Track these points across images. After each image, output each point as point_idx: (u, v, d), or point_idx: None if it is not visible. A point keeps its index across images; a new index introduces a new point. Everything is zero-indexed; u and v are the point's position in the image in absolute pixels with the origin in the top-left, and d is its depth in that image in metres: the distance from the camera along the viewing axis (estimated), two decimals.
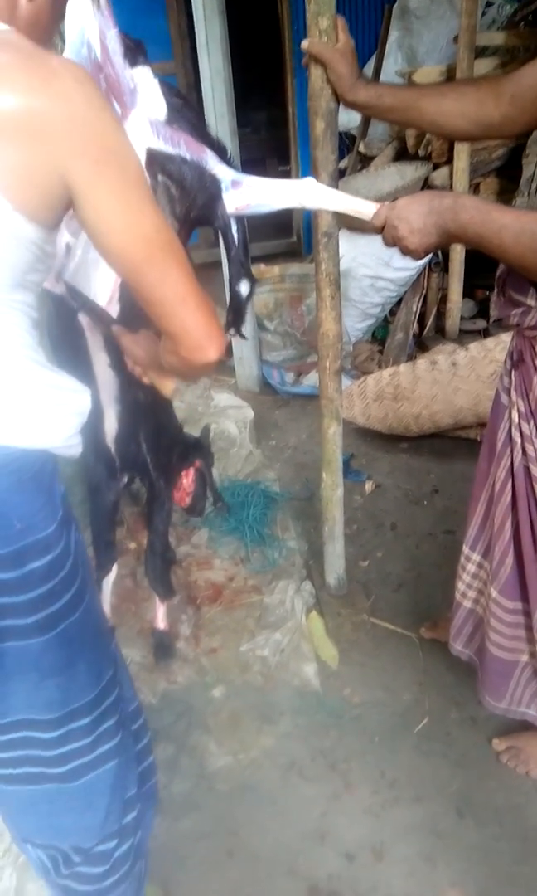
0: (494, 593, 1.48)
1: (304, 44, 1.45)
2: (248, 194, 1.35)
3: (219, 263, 3.27)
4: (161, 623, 2.01)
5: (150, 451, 1.72)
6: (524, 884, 1.50)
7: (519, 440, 1.37)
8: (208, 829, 1.63)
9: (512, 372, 1.37)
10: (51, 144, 0.78)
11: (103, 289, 1.36)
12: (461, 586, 1.63)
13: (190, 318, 0.90)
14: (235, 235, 1.42)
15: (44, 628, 0.94)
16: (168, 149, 1.35)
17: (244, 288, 1.50)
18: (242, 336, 1.66)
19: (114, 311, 1.37)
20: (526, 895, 1.48)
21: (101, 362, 1.52)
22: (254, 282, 1.54)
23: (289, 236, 5.13)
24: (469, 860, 1.55)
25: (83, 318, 1.45)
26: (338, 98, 1.48)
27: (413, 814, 1.64)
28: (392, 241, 1.20)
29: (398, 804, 1.67)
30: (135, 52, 1.36)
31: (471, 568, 1.60)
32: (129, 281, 0.89)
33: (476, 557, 1.58)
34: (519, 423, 1.36)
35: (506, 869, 1.53)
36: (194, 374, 1.05)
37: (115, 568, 1.95)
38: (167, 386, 1.25)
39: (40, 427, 0.91)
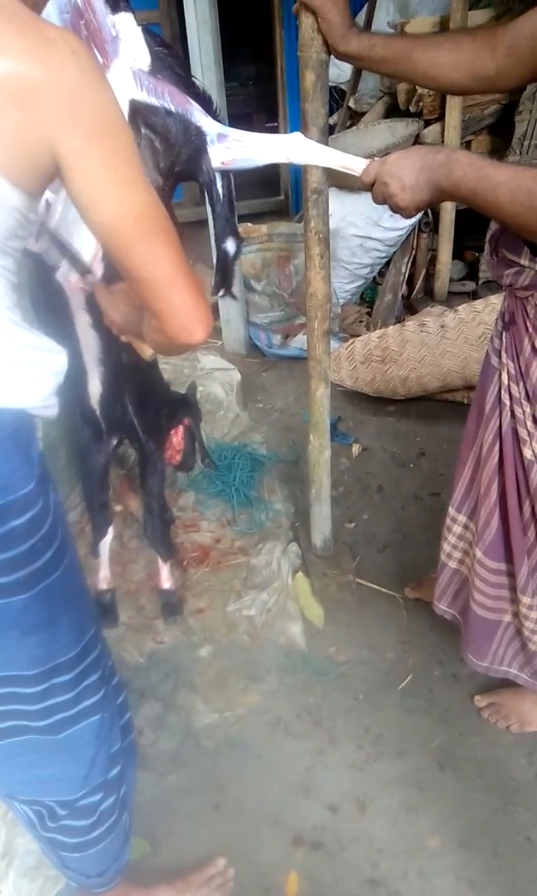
0: (479, 554, 1.50)
1: None
2: (235, 148, 1.32)
3: (204, 222, 3.22)
4: (166, 582, 2.02)
5: (137, 412, 1.71)
6: (501, 832, 1.55)
7: (507, 402, 1.36)
8: (195, 784, 1.67)
9: (503, 333, 1.36)
10: (42, 113, 0.77)
11: (86, 247, 1.33)
12: (446, 547, 1.65)
13: (177, 298, 0.89)
14: (220, 191, 1.38)
15: (26, 586, 0.94)
16: (152, 100, 1.31)
17: (230, 246, 1.48)
18: (233, 296, 1.63)
19: (98, 269, 1.34)
20: (504, 842, 1.53)
21: (82, 323, 1.49)
22: (241, 240, 1.51)
23: (277, 194, 5.04)
24: (449, 811, 1.59)
25: (62, 277, 1.42)
26: (328, 49, 1.44)
27: (395, 768, 1.68)
28: (382, 199, 1.18)
29: (381, 758, 1.71)
30: None
31: (457, 529, 1.61)
32: (117, 257, 0.88)
33: (462, 519, 1.59)
34: (509, 385, 1.35)
35: (485, 818, 1.57)
36: (177, 353, 1.04)
37: (110, 530, 1.96)
38: (145, 349, 1.23)
39: (17, 386, 0.90)
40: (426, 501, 2.48)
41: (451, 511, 1.62)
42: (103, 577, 1.98)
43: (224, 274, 1.54)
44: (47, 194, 1.29)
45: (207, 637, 1.99)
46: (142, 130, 1.31)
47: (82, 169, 0.81)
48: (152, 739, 1.75)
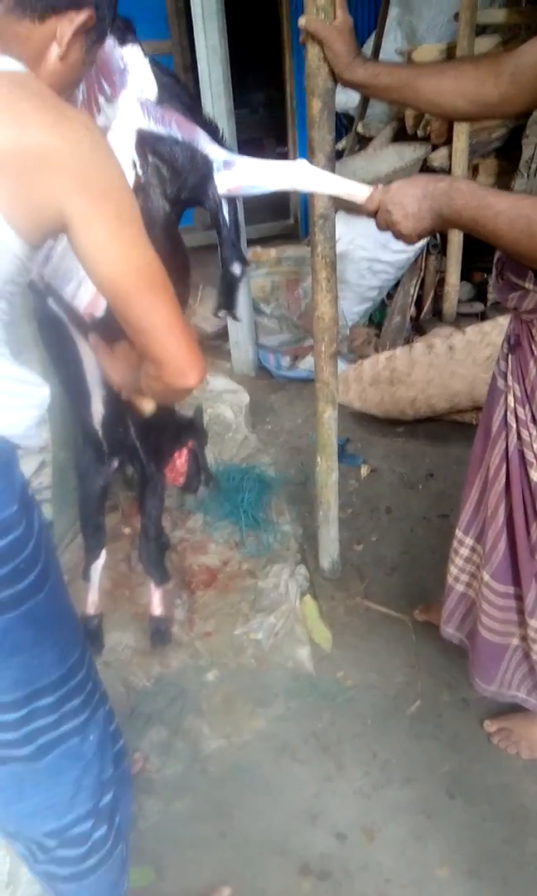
0: (486, 577, 1.49)
1: (301, 21, 1.43)
2: (240, 175, 1.33)
3: (215, 246, 3.25)
4: (157, 609, 2.00)
5: (139, 435, 1.71)
6: (512, 861, 1.52)
7: (514, 424, 1.36)
8: (201, 810, 1.65)
9: (509, 356, 1.36)
10: (55, 178, 0.85)
11: (82, 295, 1.36)
12: (453, 570, 1.64)
13: (173, 345, 0.95)
14: (227, 216, 1.40)
15: (8, 607, 0.96)
16: (159, 129, 1.34)
17: (236, 269, 1.49)
18: (235, 317, 1.65)
19: (88, 318, 1.37)
20: (515, 871, 1.50)
21: (84, 346, 1.51)
22: (246, 264, 1.53)
23: (286, 218, 5.08)
24: (459, 839, 1.56)
25: (55, 305, 1.45)
26: (334, 77, 1.46)
27: (404, 794, 1.66)
28: (385, 226, 1.19)
29: (389, 785, 1.68)
30: (125, 30, 1.34)
31: (464, 552, 1.60)
32: (117, 308, 0.94)
33: (469, 541, 1.58)
34: (515, 408, 1.35)
35: (495, 847, 1.55)
36: (173, 399, 1.13)
37: (103, 553, 1.94)
38: (145, 405, 1.26)
39: (1, 416, 0.95)
40: (435, 523, 2.47)
41: (458, 533, 1.61)
42: (91, 601, 1.95)
43: (228, 295, 1.56)
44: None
45: (214, 661, 1.98)
46: (150, 159, 1.34)
47: (88, 229, 0.88)
48: (158, 765, 1.74)
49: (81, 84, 1.32)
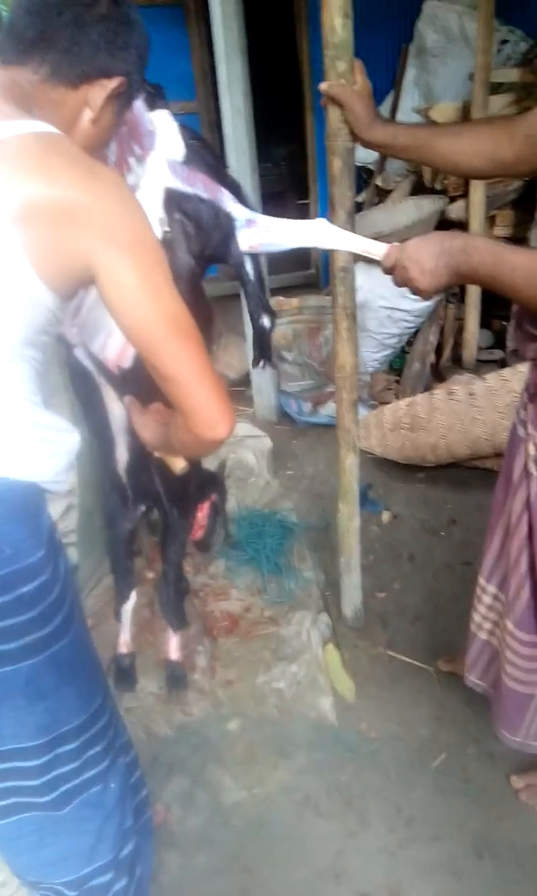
0: (510, 625, 1.47)
1: (322, 86, 1.49)
2: (262, 233, 1.38)
3: (238, 296, 3.33)
4: (174, 654, 2.00)
5: (163, 482, 1.74)
6: None
7: (534, 472, 1.36)
8: (223, 865, 1.61)
9: (529, 404, 1.38)
10: (83, 232, 0.87)
11: (111, 346, 1.40)
12: (476, 618, 1.62)
13: (203, 396, 0.96)
14: (250, 272, 1.45)
15: (33, 652, 0.97)
16: (185, 188, 1.40)
17: (266, 322, 1.54)
18: (273, 366, 1.70)
19: (117, 370, 1.41)
20: None
21: (109, 394, 1.55)
22: (274, 315, 1.57)
23: (308, 268, 5.19)
24: None
25: (81, 356, 1.49)
26: (354, 137, 1.52)
27: (430, 853, 1.61)
28: (402, 282, 1.22)
29: (415, 843, 1.64)
30: (155, 96, 1.41)
31: (487, 599, 1.58)
32: (146, 357, 0.96)
33: (492, 589, 1.57)
34: (536, 456, 1.36)
35: None
36: (204, 452, 1.12)
37: (133, 595, 1.96)
38: (176, 464, 1.29)
39: (32, 462, 0.97)
40: (458, 571, 2.45)
41: (481, 581, 1.60)
42: (123, 641, 1.98)
43: (261, 347, 1.61)
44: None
45: (236, 710, 1.96)
46: (176, 216, 1.40)
47: (116, 279, 0.90)
48: (180, 816, 1.71)
49: (113, 145, 1.39)
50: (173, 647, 2.00)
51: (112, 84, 0.99)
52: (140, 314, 0.92)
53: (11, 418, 0.94)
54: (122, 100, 1.04)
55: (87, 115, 1.00)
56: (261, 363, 1.67)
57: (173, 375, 0.95)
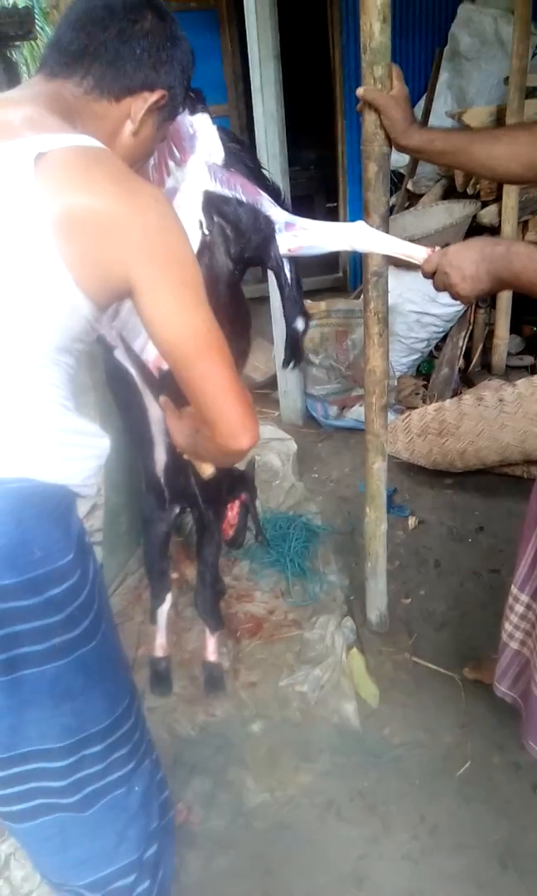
0: None
1: (360, 91, 1.49)
2: (301, 236, 1.39)
3: (265, 299, 3.33)
4: (212, 655, 2.00)
5: (199, 483, 1.75)
6: None
7: None
8: (244, 867, 1.61)
9: None
10: (123, 245, 0.89)
11: (151, 349, 1.41)
12: (508, 627, 1.61)
13: (228, 409, 0.97)
14: (289, 275, 1.45)
15: (60, 654, 0.97)
16: (224, 191, 1.40)
17: (300, 324, 1.54)
18: (302, 368, 1.70)
19: (155, 371, 1.42)
20: None
21: (149, 397, 1.56)
22: (309, 318, 1.58)
23: (336, 272, 5.19)
24: None
25: (121, 357, 1.50)
26: (390, 142, 1.52)
27: (453, 862, 1.60)
28: (443, 287, 1.22)
29: (438, 851, 1.63)
30: (195, 100, 1.42)
31: (519, 609, 1.57)
32: (176, 370, 0.97)
33: (524, 598, 1.56)
34: None
35: None
36: (228, 461, 1.13)
37: (168, 597, 1.97)
38: (205, 469, 1.30)
39: (63, 465, 0.98)
40: (485, 578, 2.43)
41: (514, 590, 1.59)
42: (160, 644, 1.98)
43: (294, 349, 1.61)
44: None
45: (259, 712, 1.96)
46: (216, 219, 1.40)
47: (152, 294, 0.91)
48: (202, 817, 1.71)
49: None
50: (211, 648, 2.00)
51: (154, 97, 1.00)
52: (173, 330, 0.93)
53: (44, 422, 0.96)
54: (164, 113, 1.05)
55: (129, 128, 1.01)
56: (292, 365, 1.68)
57: (201, 388, 0.97)
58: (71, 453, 0.99)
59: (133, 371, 1.48)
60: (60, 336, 0.93)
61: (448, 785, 1.76)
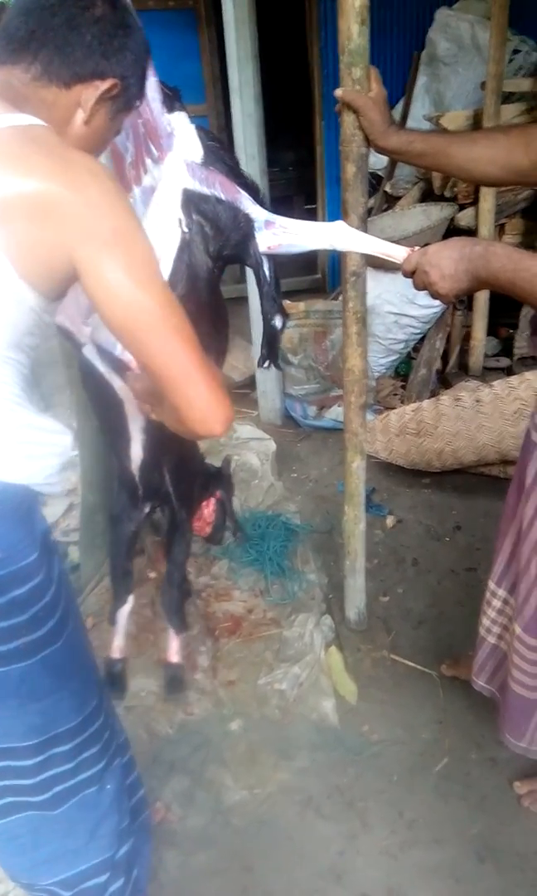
0: (518, 630, 1.48)
1: (338, 92, 1.50)
2: (281, 234, 1.39)
3: (244, 299, 3.34)
4: (174, 656, 1.98)
5: (173, 481, 1.74)
6: None
7: None
8: (223, 864, 1.61)
9: None
10: (62, 226, 0.85)
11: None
12: (485, 622, 1.63)
13: (193, 392, 0.92)
14: (268, 273, 1.46)
15: (26, 654, 0.96)
16: (203, 189, 1.41)
17: (278, 322, 1.55)
18: (279, 367, 1.69)
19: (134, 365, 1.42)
20: None
21: (125, 395, 1.55)
22: (286, 317, 1.58)
23: (314, 273, 5.20)
24: None
25: (89, 354, 1.50)
26: (369, 143, 1.53)
27: (431, 856, 1.62)
28: (422, 286, 1.22)
29: (416, 846, 1.64)
30: (173, 98, 1.43)
31: (497, 604, 1.59)
32: (136, 355, 0.94)
33: (501, 593, 1.58)
34: None
35: None
36: (200, 440, 1.07)
37: (130, 599, 1.94)
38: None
39: (21, 464, 0.96)
40: (462, 576, 2.45)
41: (491, 585, 1.61)
42: (117, 646, 1.95)
43: (270, 348, 1.61)
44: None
45: (238, 710, 1.96)
46: (194, 217, 1.41)
47: (98, 275, 0.87)
48: (180, 815, 1.71)
49: (130, 146, 1.40)
50: (173, 650, 1.99)
51: (104, 85, 0.97)
52: (124, 310, 0.88)
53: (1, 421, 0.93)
54: (118, 103, 1.02)
55: (80, 117, 0.98)
56: (268, 363, 1.67)
57: (163, 371, 0.92)
58: (31, 451, 0.97)
59: (102, 369, 1.47)
60: (8, 332, 0.89)
61: (426, 781, 1.78)
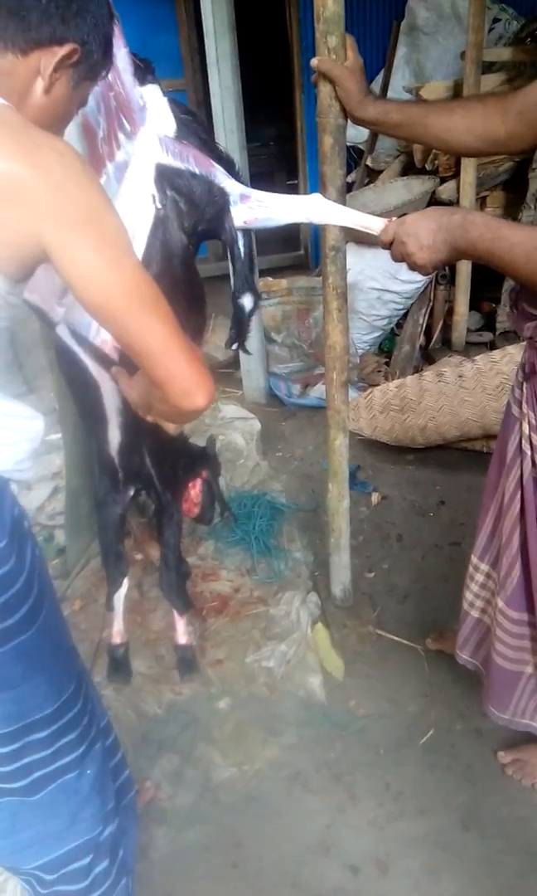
0: (501, 604, 1.49)
1: (314, 61, 1.47)
2: (256, 208, 1.37)
3: (227, 277, 3.29)
4: (183, 638, 1.98)
5: (154, 463, 1.73)
6: None
7: (529, 452, 1.37)
8: (212, 840, 1.63)
9: (524, 384, 1.38)
10: (27, 208, 0.83)
11: (95, 330, 1.38)
12: (469, 596, 1.64)
13: (174, 366, 0.92)
14: (242, 249, 1.43)
15: None
16: (177, 164, 1.38)
17: (247, 302, 1.52)
18: (246, 351, 1.66)
19: (112, 353, 1.39)
20: None
21: (100, 374, 1.53)
22: (258, 296, 1.55)
23: (297, 249, 5.16)
24: (474, 873, 1.54)
25: (62, 334, 1.47)
26: (346, 114, 1.50)
27: (417, 826, 1.64)
28: (400, 257, 1.21)
29: (403, 817, 1.66)
30: (145, 70, 1.39)
31: (480, 578, 1.60)
32: (112, 332, 0.93)
33: (484, 567, 1.59)
34: (530, 435, 1.37)
35: (511, 882, 1.52)
36: (185, 421, 1.08)
37: (125, 582, 1.94)
38: (170, 426, 1.26)
39: None
40: (446, 551, 2.47)
41: (474, 559, 1.62)
42: (116, 630, 1.95)
43: (239, 328, 1.58)
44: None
45: (226, 689, 1.97)
46: (168, 192, 1.38)
47: (69, 256, 0.86)
48: (170, 793, 1.72)
49: (102, 121, 1.37)
50: (181, 630, 1.98)
51: (63, 51, 0.94)
52: (98, 290, 0.88)
53: None
54: (79, 71, 0.98)
55: (40, 86, 0.95)
56: (235, 345, 1.63)
57: (141, 348, 0.92)
58: None
59: (76, 349, 1.45)
60: None
61: (412, 753, 1.80)
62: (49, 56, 0.93)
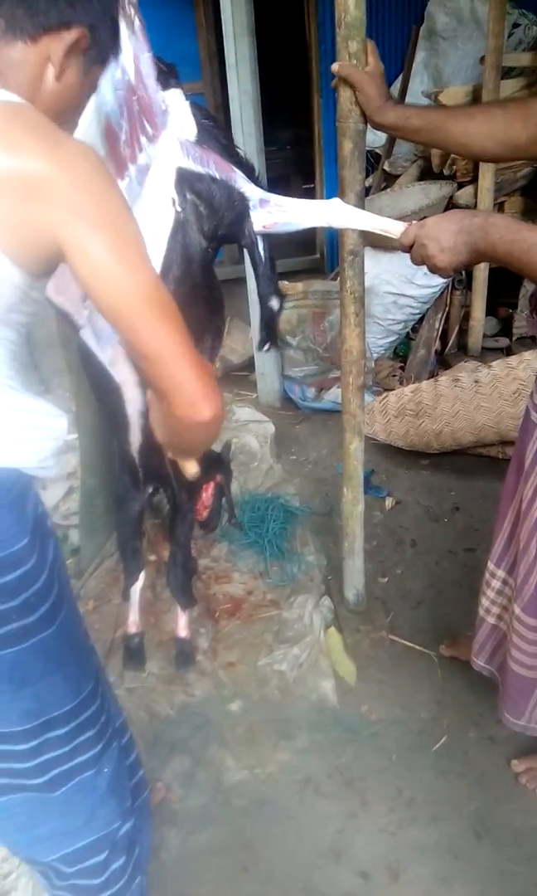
0: (518, 610, 1.48)
1: (334, 66, 1.47)
2: (276, 213, 1.37)
3: (242, 280, 3.31)
4: (182, 631, 2.02)
5: (173, 463, 1.74)
6: None
7: None
8: (224, 843, 1.63)
9: None
10: (47, 205, 0.84)
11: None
12: (485, 602, 1.63)
13: (182, 376, 0.90)
14: (262, 253, 1.44)
15: (17, 639, 0.96)
16: (197, 168, 1.38)
17: (275, 304, 1.53)
18: (278, 348, 1.68)
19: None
20: None
21: (124, 377, 1.54)
22: (283, 298, 1.56)
23: (313, 253, 5.16)
24: (485, 882, 1.53)
25: (86, 338, 1.48)
26: (366, 119, 1.50)
27: (429, 834, 1.63)
28: (421, 260, 1.21)
29: (415, 823, 1.65)
30: (168, 75, 1.40)
31: (496, 584, 1.59)
32: (122, 335, 0.92)
33: (501, 574, 1.58)
34: None
35: (523, 892, 1.51)
36: (197, 439, 1.06)
37: (142, 575, 1.98)
38: (189, 468, 1.26)
39: (13, 447, 0.94)
40: (461, 557, 2.46)
41: (490, 566, 1.61)
42: (132, 620, 2.00)
43: (269, 329, 1.60)
44: None
45: (238, 691, 1.97)
46: (188, 196, 1.38)
47: (84, 255, 0.86)
48: (181, 795, 1.72)
49: (125, 124, 1.38)
50: (182, 624, 2.02)
51: (71, 36, 0.93)
52: (112, 291, 0.87)
53: None
54: (89, 56, 0.98)
55: (51, 73, 0.94)
56: (267, 346, 1.67)
57: (149, 354, 0.90)
58: (22, 435, 0.95)
59: (100, 352, 1.46)
60: None
61: (424, 759, 1.79)
62: (58, 42, 0.93)
